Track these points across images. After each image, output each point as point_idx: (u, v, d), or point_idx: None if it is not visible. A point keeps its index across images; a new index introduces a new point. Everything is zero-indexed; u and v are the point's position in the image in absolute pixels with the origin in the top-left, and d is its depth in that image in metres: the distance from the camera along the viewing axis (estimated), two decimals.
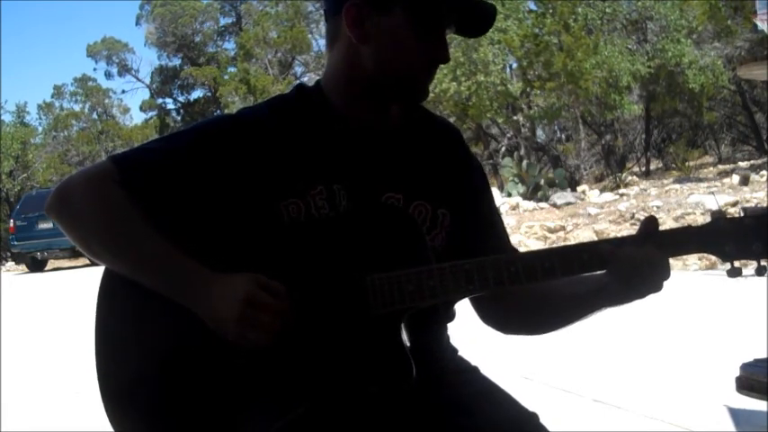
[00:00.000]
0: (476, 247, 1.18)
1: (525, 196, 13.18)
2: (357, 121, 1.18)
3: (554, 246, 1.14)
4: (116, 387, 1.11)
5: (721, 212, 1.09)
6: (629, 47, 15.96)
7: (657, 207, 9.57)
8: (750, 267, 1.07)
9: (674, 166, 16.61)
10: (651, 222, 1.09)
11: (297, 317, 1.05)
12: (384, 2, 1.11)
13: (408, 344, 1.06)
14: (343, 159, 1.16)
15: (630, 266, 1.05)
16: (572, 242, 9.20)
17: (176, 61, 31.69)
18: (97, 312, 1.13)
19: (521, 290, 1.17)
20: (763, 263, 1.05)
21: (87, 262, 17.27)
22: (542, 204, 12.15)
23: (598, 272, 1.09)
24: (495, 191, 14.57)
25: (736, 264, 1.07)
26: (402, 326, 1.06)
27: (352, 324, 1.07)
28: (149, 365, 1.09)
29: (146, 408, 1.10)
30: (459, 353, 1.30)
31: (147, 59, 59.78)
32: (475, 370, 1.27)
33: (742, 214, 1.08)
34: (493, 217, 1.26)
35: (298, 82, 1.31)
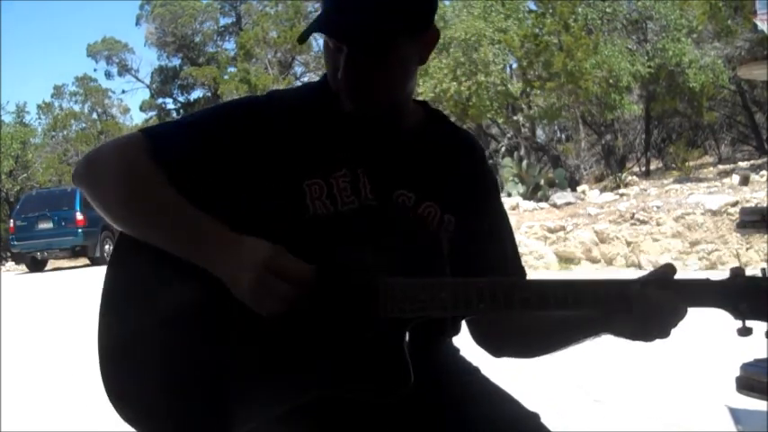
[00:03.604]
0: (475, 261, 1.19)
1: (525, 196, 13.17)
2: (373, 118, 1.18)
3: (570, 279, 1.14)
4: (114, 345, 1.11)
5: (740, 270, 1.08)
6: (629, 47, 15.95)
7: (657, 207, 9.56)
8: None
9: (674, 166, 16.60)
10: (669, 270, 1.09)
11: (314, 293, 1.05)
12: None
13: (410, 351, 1.06)
14: (364, 149, 1.17)
15: (654, 309, 1.05)
16: (571, 242, 9.22)
17: (176, 61, 31.68)
18: (105, 281, 1.14)
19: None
20: None
21: (87, 262, 17.26)
22: (542, 204, 12.13)
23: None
24: None
25: (748, 323, 1.06)
26: (407, 334, 1.06)
27: (359, 325, 1.06)
28: (150, 331, 1.10)
29: (142, 370, 1.10)
30: (461, 353, 1.30)
31: (147, 59, 59.69)
32: (476, 371, 1.27)
33: (760, 274, 1.07)
34: (500, 234, 1.26)
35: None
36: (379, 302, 1.05)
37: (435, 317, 1.08)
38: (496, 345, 1.26)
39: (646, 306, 1.05)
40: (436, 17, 1.17)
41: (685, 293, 1.07)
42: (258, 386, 1.06)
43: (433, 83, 14.86)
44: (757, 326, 1.06)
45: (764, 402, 2.27)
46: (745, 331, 1.06)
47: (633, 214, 9.33)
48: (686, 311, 1.06)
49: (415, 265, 1.07)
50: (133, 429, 1.11)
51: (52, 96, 31.38)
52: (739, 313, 1.06)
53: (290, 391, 1.06)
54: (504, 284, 1.08)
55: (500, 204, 1.29)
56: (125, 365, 1.11)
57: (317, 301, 1.06)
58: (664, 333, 1.07)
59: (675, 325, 1.07)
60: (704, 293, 1.07)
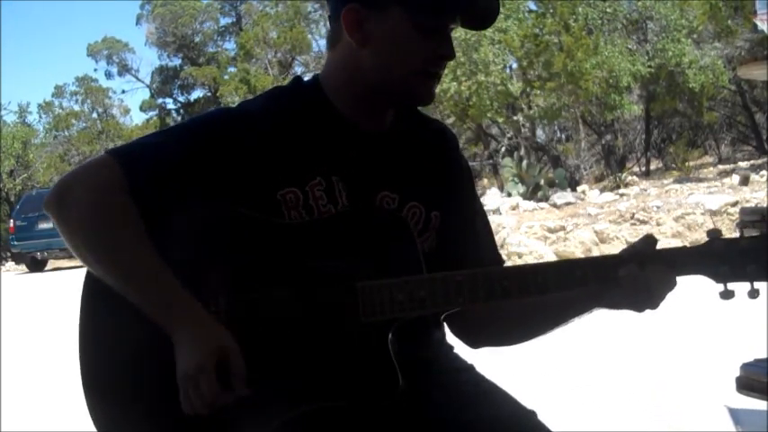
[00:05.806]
0: (458, 252, 1.19)
1: (525, 196, 13.18)
2: (354, 121, 1.17)
3: (549, 261, 1.12)
4: (100, 382, 1.10)
5: (717, 232, 1.06)
6: (630, 47, 15.97)
7: (657, 207, 9.57)
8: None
9: (674, 166, 16.62)
10: (650, 240, 1.07)
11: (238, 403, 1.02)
12: (380, 1, 1.09)
13: (396, 353, 1.05)
14: (341, 155, 1.15)
15: (643, 285, 1.02)
16: (572, 242, 9.22)
17: (176, 61, 31.68)
18: (81, 312, 1.12)
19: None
20: (756, 286, 1.03)
21: None
22: (542, 204, 12.14)
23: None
24: (495, 191, 14.63)
25: (730, 286, 1.04)
26: (390, 335, 1.05)
27: (342, 331, 1.06)
28: (133, 363, 1.09)
29: (131, 404, 1.09)
30: (455, 350, 1.29)
31: (147, 59, 59.58)
32: (471, 368, 1.26)
33: (738, 235, 1.05)
34: (476, 223, 1.25)
35: (296, 75, 1.31)
36: (357, 307, 1.04)
37: (416, 316, 1.07)
38: (473, 334, 1.23)
39: (634, 284, 1.03)
40: None
41: (668, 264, 1.04)
42: (247, 403, 1.04)
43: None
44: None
45: (764, 402, 2.26)
46: (727, 294, 1.04)
47: (633, 214, 9.33)
48: (675, 282, 1.04)
49: (392, 269, 1.06)
50: None
51: (53, 96, 31.43)
52: (720, 276, 1.04)
53: (280, 406, 1.05)
54: (482, 275, 1.06)
55: (475, 191, 1.28)
56: (109, 398, 1.09)
57: (298, 317, 1.05)
58: (653, 305, 1.04)
59: (665, 297, 1.04)
60: (683, 261, 1.05)
